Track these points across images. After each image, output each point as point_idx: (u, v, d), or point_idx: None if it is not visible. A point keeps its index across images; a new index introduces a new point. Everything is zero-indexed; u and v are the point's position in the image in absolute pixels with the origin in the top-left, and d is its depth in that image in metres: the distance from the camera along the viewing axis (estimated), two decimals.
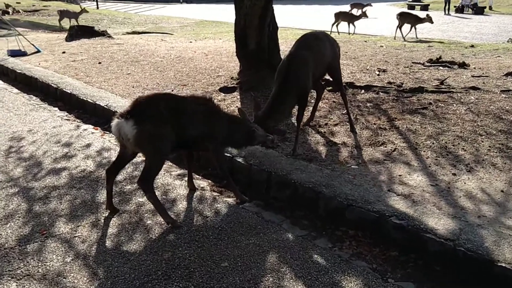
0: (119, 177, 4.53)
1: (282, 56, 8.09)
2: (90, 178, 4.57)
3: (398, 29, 16.76)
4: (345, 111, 5.90)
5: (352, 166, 4.48)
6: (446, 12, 28.39)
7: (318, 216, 3.92)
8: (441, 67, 8.34)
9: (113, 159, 4.98)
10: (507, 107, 5.83)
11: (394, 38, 15.91)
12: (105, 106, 6.50)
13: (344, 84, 7.07)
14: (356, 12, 23.04)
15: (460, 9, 29.12)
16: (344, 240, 3.59)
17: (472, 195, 3.85)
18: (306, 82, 4.83)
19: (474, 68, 8.22)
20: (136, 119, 3.47)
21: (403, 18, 17.21)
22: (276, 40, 7.67)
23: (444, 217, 3.47)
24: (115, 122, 3.55)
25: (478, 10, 28.87)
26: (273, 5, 7.43)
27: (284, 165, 4.45)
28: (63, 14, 20.38)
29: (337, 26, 18.63)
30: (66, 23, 19.37)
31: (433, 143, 4.93)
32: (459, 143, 4.88)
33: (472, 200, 3.77)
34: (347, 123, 5.55)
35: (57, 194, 4.23)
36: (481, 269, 3.03)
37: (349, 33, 17.86)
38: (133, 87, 7.63)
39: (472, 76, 7.50)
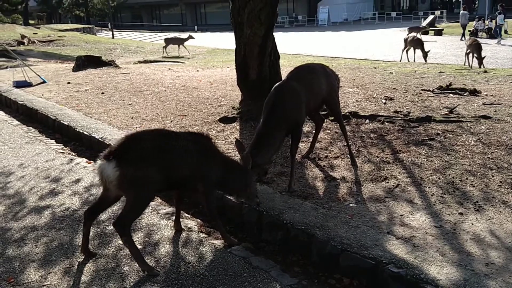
0: (103, 217, 4.28)
1: None
2: (72, 218, 4.33)
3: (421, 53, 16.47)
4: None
5: (350, 205, 4.17)
6: (463, 38, 28.04)
7: (311, 262, 3.60)
8: (451, 95, 8.01)
9: None
10: None
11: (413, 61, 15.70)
12: (99, 139, 6.30)
13: (348, 113, 6.81)
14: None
15: (474, 33, 28.76)
16: None
17: (480, 239, 3.50)
18: (297, 115, 4.54)
19: (486, 95, 7.87)
20: (118, 160, 3.23)
21: (412, 42, 16.96)
22: (277, 69, 7.46)
23: (448, 265, 3.13)
24: (97, 163, 3.32)
25: (492, 34, 28.51)
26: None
27: (277, 204, 4.16)
28: (168, 41, 22.54)
29: (407, 52, 18.16)
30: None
31: (439, 178, 4.59)
32: (467, 178, 4.54)
33: (480, 245, 3.42)
34: (349, 156, 5.25)
35: (34, 235, 3.98)
36: None
37: (414, 61, 17.25)
38: (132, 118, 7.45)
39: (484, 104, 7.16)
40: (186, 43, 23.22)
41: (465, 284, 2.92)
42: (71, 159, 6.09)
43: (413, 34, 21.00)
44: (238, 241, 3.94)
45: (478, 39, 18.76)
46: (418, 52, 17.49)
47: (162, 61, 18.68)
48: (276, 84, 4.62)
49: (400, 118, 6.56)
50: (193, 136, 3.82)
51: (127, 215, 3.39)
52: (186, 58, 20.57)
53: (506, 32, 30.42)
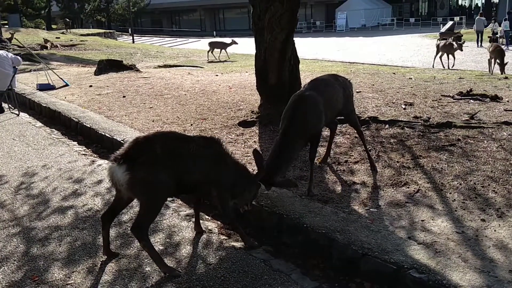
0: (124, 218, 4.35)
1: None
2: (95, 218, 4.40)
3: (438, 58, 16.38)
4: (368, 147, 5.64)
5: (371, 209, 4.16)
6: (479, 45, 27.72)
7: (331, 266, 3.61)
8: (471, 100, 7.93)
9: None
10: None
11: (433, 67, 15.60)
12: (121, 141, 6.38)
13: (367, 118, 6.80)
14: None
15: (494, 40, 28.37)
16: None
17: (503, 245, 3.46)
18: (316, 126, 4.51)
19: (508, 101, 7.78)
20: (129, 163, 3.26)
21: (444, 47, 16.81)
22: (297, 74, 7.48)
23: (470, 271, 3.11)
24: (108, 166, 3.36)
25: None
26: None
27: (297, 207, 4.17)
28: (212, 45, 23.38)
29: (440, 58, 18.07)
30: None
31: (460, 184, 4.56)
32: (489, 184, 4.50)
33: (503, 251, 3.38)
34: (368, 161, 5.25)
35: (58, 235, 4.06)
36: None
37: (448, 67, 17.12)
38: (153, 121, 7.54)
39: (505, 110, 7.07)
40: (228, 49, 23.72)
41: None
42: (93, 161, 6.19)
43: (446, 40, 20.82)
44: (258, 244, 3.95)
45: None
46: (451, 57, 17.40)
47: (181, 66, 18.85)
48: (295, 94, 4.62)
49: (420, 123, 6.52)
50: (205, 140, 3.82)
51: (142, 220, 3.42)
52: (227, 62, 20.74)
53: None
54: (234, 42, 23.84)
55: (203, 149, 3.63)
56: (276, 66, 7.03)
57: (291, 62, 7.21)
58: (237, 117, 7.47)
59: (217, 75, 13.03)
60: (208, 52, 23.13)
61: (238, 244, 3.95)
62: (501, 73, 13.42)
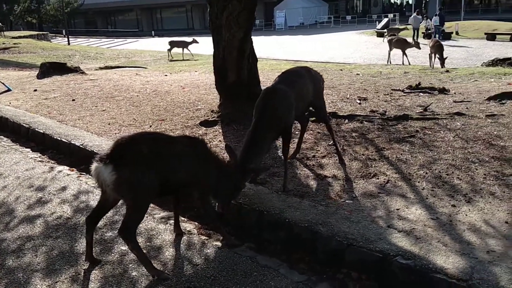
0: (99, 223, 4.21)
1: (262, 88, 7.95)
2: (67, 226, 4.23)
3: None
4: (332, 142, 5.76)
5: (347, 201, 4.27)
6: (417, 40, 28.92)
7: (316, 259, 3.67)
8: (421, 93, 8.30)
9: (92, 203, 4.73)
10: (495, 132, 5.74)
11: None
12: (80, 146, 6.18)
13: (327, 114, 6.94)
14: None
15: (428, 35, 29.78)
16: (347, 284, 3.34)
17: (476, 228, 3.66)
18: (287, 118, 4.59)
19: (455, 93, 8.21)
20: (115, 163, 3.18)
21: (394, 43, 17.30)
22: (256, 72, 7.52)
23: (452, 255, 3.26)
24: (93, 166, 3.26)
25: (446, 35, 29.59)
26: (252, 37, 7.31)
27: (276, 203, 4.21)
28: (173, 44, 23.46)
29: (389, 53, 18.36)
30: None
31: (426, 173, 4.76)
32: (453, 172, 4.73)
33: (477, 234, 3.58)
34: (335, 155, 5.37)
35: (31, 245, 3.88)
36: None
37: (403, 63, 17.28)
38: (109, 124, 7.33)
39: (454, 102, 7.46)
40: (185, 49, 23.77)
41: (472, 271, 3.05)
42: (52, 167, 5.94)
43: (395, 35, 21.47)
44: (240, 242, 3.96)
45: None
46: (402, 52, 17.89)
47: (124, 67, 18.40)
48: (266, 87, 4.66)
49: (377, 117, 6.75)
50: (190, 140, 3.81)
51: (129, 221, 3.35)
52: (147, 62, 20.38)
53: (457, 33, 31.67)
54: (195, 41, 23.85)
55: (188, 149, 3.61)
56: (235, 64, 7.04)
57: (249, 60, 7.24)
58: (196, 117, 7.41)
59: (166, 75, 12.84)
60: (168, 51, 23.26)
61: (220, 244, 3.94)
62: (442, 67, 14.09)
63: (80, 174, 5.68)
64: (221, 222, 3.98)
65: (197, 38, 25.30)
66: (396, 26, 30.86)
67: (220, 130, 6.68)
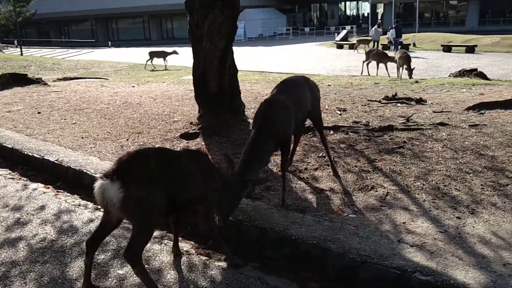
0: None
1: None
2: (53, 249, 3.90)
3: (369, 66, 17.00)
4: (321, 153, 5.69)
5: (350, 215, 4.14)
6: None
7: (326, 277, 3.51)
8: (399, 104, 8.34)
9: (76, 222, 4.43)
10: (481, 142, 5.77)
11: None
12: (55, 162, 5.81)
13: (311, 125, 6.83)
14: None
15: (388, 47, 30.43)
16: None
17: (486, 241, 3.60)
18: (287, 129, 4.47)
19: (432, 103, 8.28)
20: (123, 180, 2.93)
21: (373, 55, 17.32)
22: (236, 83, 7.35)
23: (471, 269, 3.18)
24: (98, 183, 2.99)
25: (404, 47, 30.28)
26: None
27: (277, 219, 4.03)
28: (153, 54, 23.39)
29: (367, 64, 18.19)
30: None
31: (423, 184, 4.70)
32: (450, 183, 4.69)
33: (489, 246, 3.51)
34: (327, 167, 5.26)
35: (18, 271, 3.53)
36: None
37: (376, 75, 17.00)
38: (82, 137, 6.95)
39: (434, 112, 7.52)
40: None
41: (495, 285, 2.97)
42: (26, 185, 5.54)
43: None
44: (243, 261, 3.75)
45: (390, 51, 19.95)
46: (382, 66, 17.65)
47: (84, 78, 17.80)
48: (266, 98, 4.50)
49: (362, 128, 6.70)
50: (193, 154, 3.61)
51: (135, 243, 3.10)
52: (107, 73, 19.83)
53: (414, 45, 32.55)
54: (175, 52, 23.67)
55: (193, 163, 3.39)
56: (216, 74, 6.85)
57: (230, 70, 7.07)
58: (175, 129, 7.14)
59: (133, 86, 12.45)
60: (147, 61, 23.17)
61: (223, 264, 3.72)
62: (409, 78, 14.33)
63: (57, 191, 5.32)
64: (224, 240, 3.76)
65: (156, 49, 25.18)
66: (365, 38, 31.32)
67: (203, 143, 6.44)
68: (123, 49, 43.89)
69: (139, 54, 30.99)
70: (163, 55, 23.54)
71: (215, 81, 6.87)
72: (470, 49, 27.69)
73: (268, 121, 4.27)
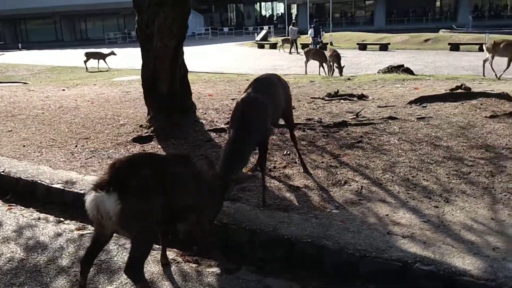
0: (66, 261, 3.62)
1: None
2: (26, 269, 3.55)
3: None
4: (285, 151, 5.71)
5: (334, 211, 4.16)
6: (296, 51, 30.01)
7: (324, 274, 3.49)
8: (342, 100, 8.55)
9: (42, 238, 4.11)
10: (433, 134, 6.06)
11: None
12: (2, 173, 5.32)
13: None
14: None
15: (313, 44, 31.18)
16: None
17: (469, 227, 3.76)
18: (265, 128, 4.43)
19: (373, 99, 8.58)
20: (119, 191, 2.72)
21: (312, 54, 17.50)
22: (187, 83, 7.17)
23: (466, 255, 3.30)
24: (91, 196, 2.75)
25: (322, 46, 31.25)
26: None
27: (264, 220, 3.95)
28: (89, 55, 22.11)
29: (306, 63, 18.08)
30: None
31: (392, 177, 4.84)
32: (417, 174, 4.87)
33: (474, 232, 3.67)
34: (295, 164, 5.27)
35: None
36: None
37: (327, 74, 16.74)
38: (24, 146, 6.44)
39: (379, 107, 7.78)
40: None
41: (493, 270, 3.10)
42: None
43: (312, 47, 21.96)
44: (237, 266, 3.64)
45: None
46: (325, 65, 17.44)
47: (1, 82, 16.59)
48: (243, 97, 4.40)
49: (317, 124, 6.78)
50: (182, 159, 3.44)
51: (136, 258, 2.91)
52: (25, 77, 18.61)
53: (331, 44, 33.66)
54: (112, 53, 22.86)
55: (183, 169, 3.23)
56: (167, 74, 6.63)
57: (181, 71, 6.87)
58: (124, 133, 6.82)
59: (63, 90, 11.76)
60: (84, 62, 22.11)
61: (215, 270, 3.59)
62: (340, 75, 14.76)
63: (10, 205, 4.88)
64: (215, 245, 3.63)
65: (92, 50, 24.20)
66: (288, 37, 31.84)
67: (159, 146, 6.21)
68: (35, 51, 41.35)
69: (55, 57, 29.46)
70: (100, 56, 22.61)
71: (166, 82, 6.65)
72: (384, 47, 29.11)
73: (247, 120, 4.19)
